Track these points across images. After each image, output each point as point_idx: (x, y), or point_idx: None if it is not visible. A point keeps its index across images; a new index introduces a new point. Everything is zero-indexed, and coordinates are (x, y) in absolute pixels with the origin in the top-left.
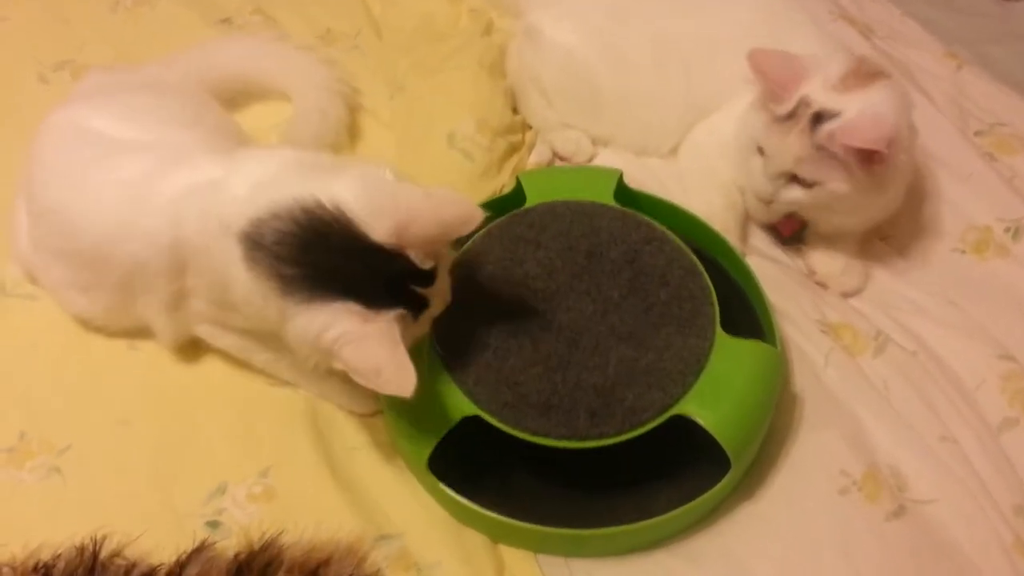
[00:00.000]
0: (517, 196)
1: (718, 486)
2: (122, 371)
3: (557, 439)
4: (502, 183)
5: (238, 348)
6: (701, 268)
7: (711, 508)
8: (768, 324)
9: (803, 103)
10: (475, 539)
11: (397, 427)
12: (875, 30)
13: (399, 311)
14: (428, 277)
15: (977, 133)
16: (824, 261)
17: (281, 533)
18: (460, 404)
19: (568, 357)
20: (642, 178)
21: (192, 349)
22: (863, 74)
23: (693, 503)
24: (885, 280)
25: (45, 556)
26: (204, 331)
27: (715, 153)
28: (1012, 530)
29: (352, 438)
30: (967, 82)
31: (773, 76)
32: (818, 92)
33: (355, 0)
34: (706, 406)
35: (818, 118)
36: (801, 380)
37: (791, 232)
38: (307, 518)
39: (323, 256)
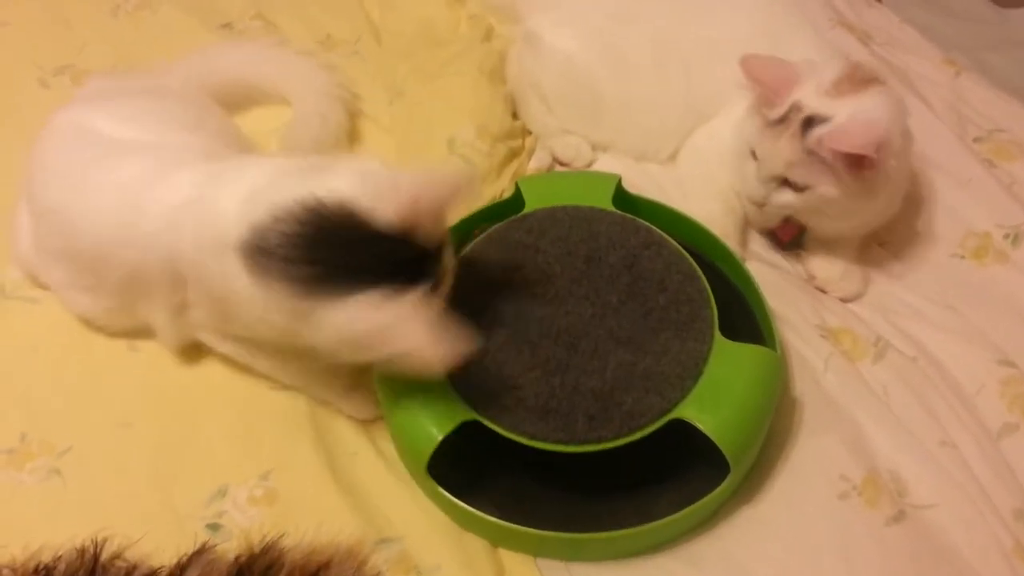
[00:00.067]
0: (516, 201)
1: (717, 490)
2: (123, 373)
3: (556, 443)
4: (501, 188)
5: (239, 354)
6: (700, 273)
7: (711, 512)
8: (767, 329)
9: (795, 108)
10: (475, 543)
11: (397, 431)
12: (873, 36)
13: (420, 289)
14: (435, 256)
15: (976, 139)
16: (823, 266)
17: (282, 536)
18: (459, 409)
19: (567, 361)
20: (641, 183)
21: (193, 351)
22: (857, 80)
23: (693, 507)
24: (885, 285)
25: (46, 558)
26: (206, 338)
27: (714, 158)
28: (1012, 535)
29: (352, 442)
30: (966, 88)
31: (766, 81)
32: (810, 97)
33: (355, 6)
34: (705, 410)
35: (809, 123)
36: (801, 385)
37: (790, 237)
38: (308, 521)
39: (335, 251)
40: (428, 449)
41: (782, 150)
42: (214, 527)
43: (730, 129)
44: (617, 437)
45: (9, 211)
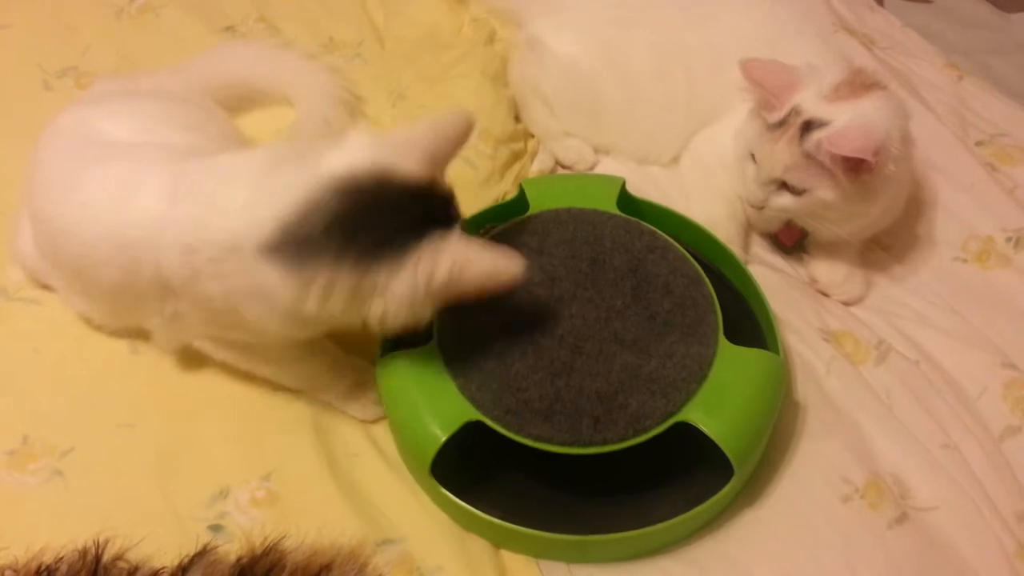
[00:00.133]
0: (520, 203)
1: (721, 493)
2: (125, 374)
3: (560, 445)
4: (504, 191)
5: (239, 360)
6: (704, 277)
7: (714, 515)
8: (770, 332)
9: (794, 112)
10: (477, 544)
11: (400, 432)
12: (876, 41)
13: (457, 227)
14: (454, 200)
15: (978, 143)
16: (826, 270)
17: (283, 537)
18: (463, 409)
19: (571, 364)
20: (644, 186)
21: (195, 353)
22: (858, 85)
23: (696, 510)
24: (887, 289)
25: (47, 559)
26: (202, 345)
27: (716, 162)
28: (1014, 537)
29: (354, 443)
30: (968, 93)
31: (766, 84)
32: (810, 101)
33: (358, 9)
34: (709, 413)
35: (808, 126)
36: (803, 388)
37: (792, 241)
38: (309, 522)
39: (384, 214)
40: (431, 450)
41: (781, 153)
42: (216, 528)
43: (732, 133)
44: (621, 440)
45: (12, 212)
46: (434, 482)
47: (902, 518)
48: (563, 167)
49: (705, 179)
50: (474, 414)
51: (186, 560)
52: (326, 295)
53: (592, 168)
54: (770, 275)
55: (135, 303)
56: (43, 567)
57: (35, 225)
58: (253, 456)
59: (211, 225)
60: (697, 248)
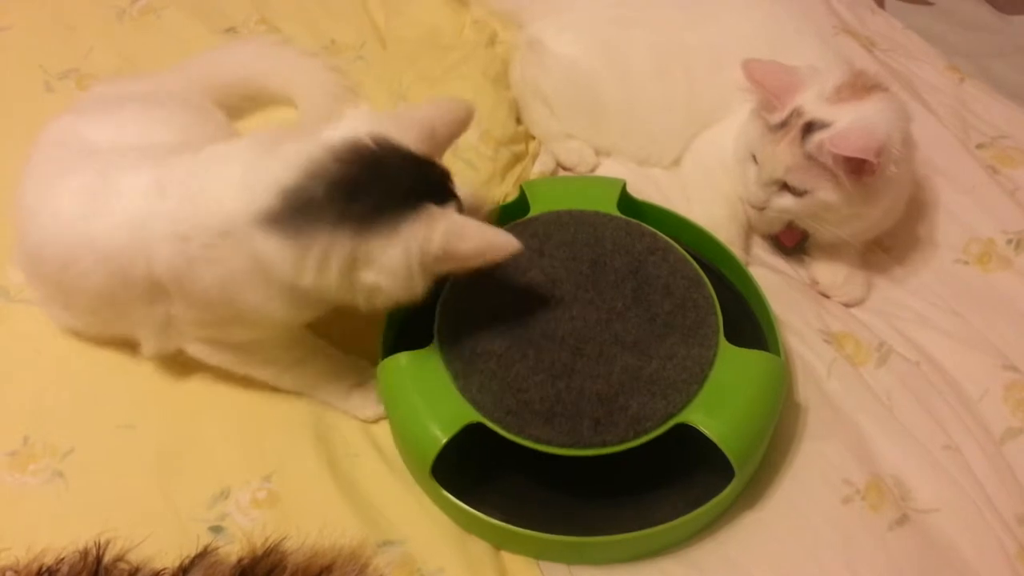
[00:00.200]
0: (521, 205)
1: (721, 495)
2: (125, 375)
3: (561, 447)
4: (505, 192)
5: (236, 363)
6: (705, 278)
7: (714, 517)
8: (771, 334)
9: (796, 113)
10: (478, 546)
11: (400, 434)
12: (877, 43)
13: (455, 203)
14: (451, 179)
15: (979, 146)
16: (827, 271)
17: (284, 538)
18: (463, 411)
19: (572, 365)
20: (645, 188)
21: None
22: (859, 87)
23: (696, 511)
24: (888, 290)
25: (48, 560)
26: (196, 350)
27: (717, 164)
28: (1015, 539)
29: (355, 444)
30: (969, 95)
31: (768, 85)
32: (812, 103)
33: (360, 11)
34: (710, 415)
35: (809, 128)
36: (804, 390)
37: (793, 243)
38: (310, 523)
39: (383, 180)
40: (432, 452)
41: (782, 154)
42: (216, 529)
43: (733, 134)
44: (622, 441)
45: (13, 213)
46: (435, 484)
47: (903, 520)
48: (564, 169)
49: (706, 180)
50: (475, 416)
51: (187, 561)
52: (323, 264)
53: (593, 170)
54: (771, 277)
55: (122, 312)
56: (44, 568)
57: (20, 239)
58: (254, 457)
59: (204, 210)
60: (698, 250)
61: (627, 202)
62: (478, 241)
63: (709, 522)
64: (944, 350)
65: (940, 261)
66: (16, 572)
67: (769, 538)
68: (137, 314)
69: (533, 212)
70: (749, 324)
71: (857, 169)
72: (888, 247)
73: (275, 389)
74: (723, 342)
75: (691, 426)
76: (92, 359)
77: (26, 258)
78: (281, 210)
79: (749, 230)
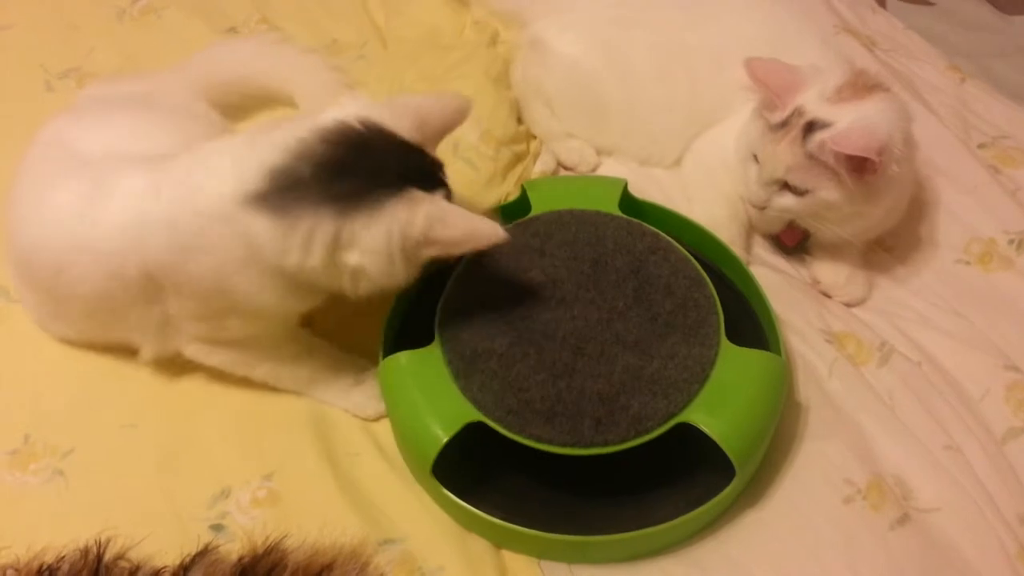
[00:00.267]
0: (522, 205)
1: (722, 494)
2: (126, 375)
3: (562, 446)
4: (506, 192)
5: (235, 363)
6: (706, 278)
7: (715, 516)
8: (772, 334)
9: (797, 112)
10: (478, 544)
11: (401, 433)
12: (878, 43)
13: (443, 192)
14: (442, 169)
15: (980, 146)
16: (828, 271)
17: (285, 537)
18: (464, 410)
19: (573, 365)
20: (646, 188)
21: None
22: (860, 86)
23: (697, 511)
24: (889, 290)
25: (49, 558)
26: (194, 351)
27: (718, 163)
28: (1016, 539)
29: (355, 442)
30: (970, 95)
31: (770, 84)
32: (813, 102)
33: (361, 11)
34: (711, 415)
35: (810, 127)
36: (805, 389)
37: (794, 243)
38: (311, 522)
39: (368, 160)
40: (433, 450)
41: (783, 154)
42: (217, 528)
43: (734, 134)
44: (623, 441)
45: None
46: (436, 482)
47: (904, 519)
48: (565, 168)
49: (707, 180)
50: (476, 415)
51: (188, 559)
52: (308, 243)
53: (594, 169)
54: (772, 276)
55: (118, 315)
56: (45, 567)
57: (10, 246)
58: (254, 456)
59: (197, 198)
60: (699, 249)
61: (628, 202)
62: (462, 228)
63: (710, 521)
64: (946, 350)
65: (941, 261)
66: (17, 570)
67: (770, 537)
68: (133, 316)
69: (534, 212)
70: (750, 324)
71: (859, 168)
72: (890, 247)
73: (275, 388)
74: (724, 342)
75: (692, 425)
76: (93, 359)
77: (17, 264)
78: (268, 190)
79: (750, 230)
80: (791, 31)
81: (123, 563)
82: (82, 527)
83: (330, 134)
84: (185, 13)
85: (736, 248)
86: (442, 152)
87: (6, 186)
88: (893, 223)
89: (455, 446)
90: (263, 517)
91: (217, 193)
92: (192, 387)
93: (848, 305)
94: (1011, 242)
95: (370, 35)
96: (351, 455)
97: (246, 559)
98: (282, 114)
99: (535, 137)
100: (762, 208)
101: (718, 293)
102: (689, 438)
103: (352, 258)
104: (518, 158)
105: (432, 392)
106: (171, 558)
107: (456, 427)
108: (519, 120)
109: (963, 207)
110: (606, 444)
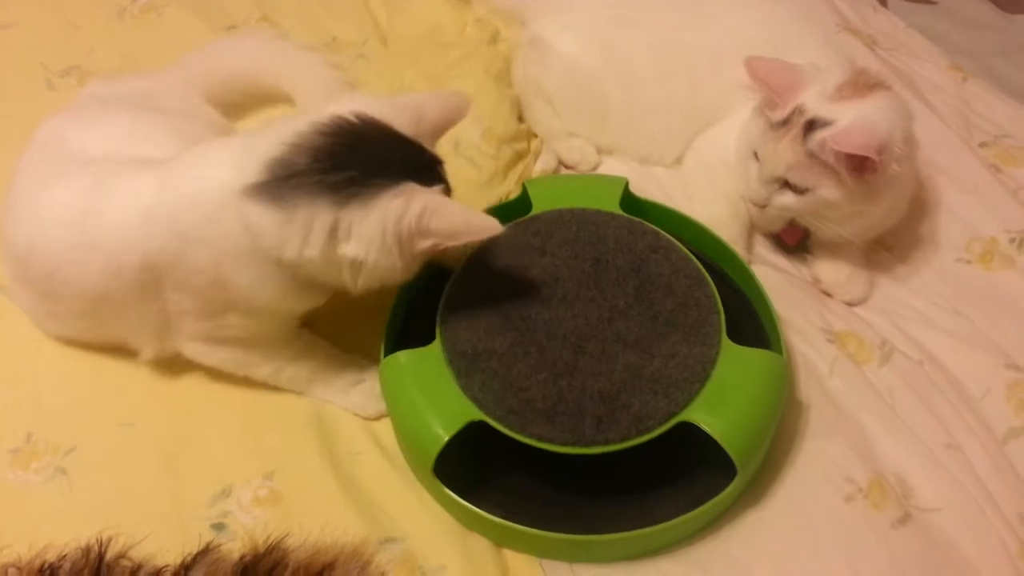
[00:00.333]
0: (523, 203)
1: (724, 493)
2: (127, 373)
3: (563, 445)
4: (507, 191)
5: (235, 363)
6: (707, 277)
7: (717, 515)
8: (773, 332)
9: (798, 111)
10: (480, 543)
11: (402, 432)
12: (880, 42)
13: (441, 187)
14: (441, 166)
15: (982, 145)
16: (829, 270)
17: (286, 536)
18: (465, 409)
19: (574, 364)
20: (647, 187)
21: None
22: (861, 85)
23: (699, 510)
24: (890, 289)
25: (51, 557)
26: (193, 350)
27: (719, 162)
28: (1017, 538)
29: (356, 441)
30: (972, 94)
31: (770, 83)
32: (814, 101)
33: (361, 9)
34: (712, 414)
35: (811, 126)
36: (806, 388)
37: (795, 241)
38: (312, 521)
39: (364, 153)
40: (434, 449)
41: (784, 152)
42: (218, 527)
43: (734, 133)
44: (624, 439)
45: None
46: (437, 482)
47: (905, 518)
48: (566, 167)
49: (708, 179)
50: (477, 414)
51: (189, 558)
52: (306, 233)
53: (595, 168)
54: (773, 275)
55: (115, 312)
56: (46, 565)
57: (6, 244)
58: (255, 455)
59: (199, 189)
60: (700, 248)
61: (629, 200)
62: (457, 221)
63: (711, 521)
64: (946, 349)
65: (942, 260)
66: (19, 569)
67: (771, 537)
68: (131, 316)
69: (535, 210)
70: (751, 323)
71: (859, 167)
72: (890, 246)
73: (276, 387)
74: (725, 340)
75: (693, 424)
76: (95, 358)
77: (16, 263)
78: (267, 180)
79: (751, 228)
80: (791, 30)
81: (125, 562)
82: (84, 526)
83: (327, 127)
84: (185, 11)
85: (737, 247)
86: (443, 150)
87: (9, 182)
88: (894, 222)
89: (456, 445)
90: (264, 516)
91: (218, 184)
92: (193, 386)
93: (849, 304)
94: (1012, 241)
95: (370, 33)
96: (352, 454)
97: (247, 558)
98: (281, 112)
99: (536, 135)
100: (763, 206)
101: (719, 292)
102: (690, 437)
103: (350, 249)
104: (519, 156)
105: (433, 391)
106: (172, 557)
107: (457, 426)
108: (520, 118)
109: (964, 206)
110: (607, 443)
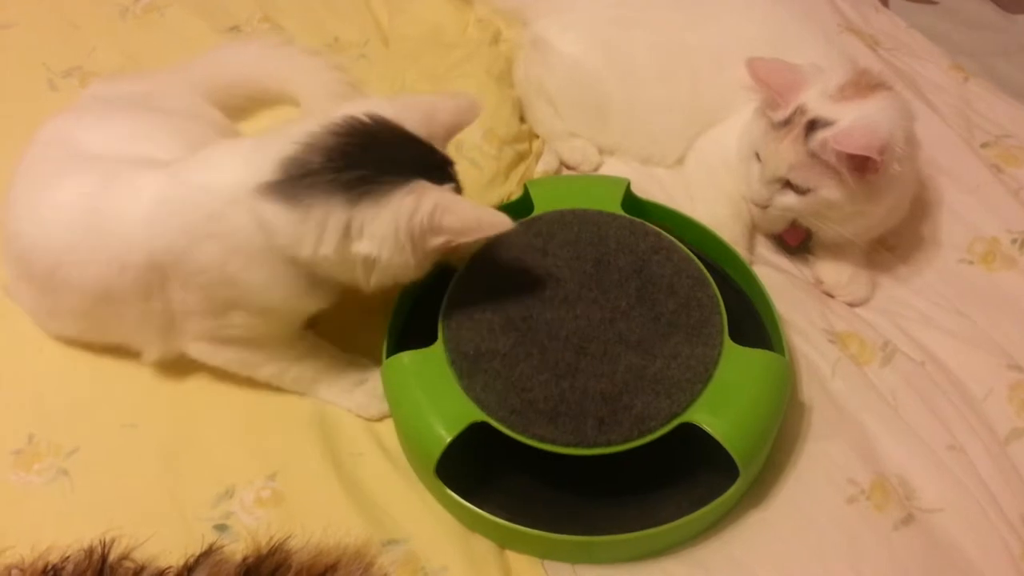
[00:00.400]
0: (525, 204)
1: (726, 494)
2: (129, 374)
3: (565, 446)
4: (509, 191)
5: (239, 363)
6: (709, 277)
7: (719, 516)
8: (775, 333)
9: (799, 111)
10: (482, 545)
11: (405, 433)
12: (881, 42)
13: (452, 185)
14: (452, 166)
15: (983, 145)
16: (831, 271)
17: (289, 537)
18: (468, 410)
19: (576, 365)
20: (648, 187)
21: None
22: (863, 85)
23: (701, 511)
24: (892, 290)
25: (54, 558)
26: (198, 349)
27: (721, 162)
28: (1020, 539)
29: (359, 443)
30: (973, 94)
31: (772, 83)
32: (815, 101)
33: (363, 9)
34: (715, 414)
35: (813, 126)
36: (809, 389)
37: (797, 242)
38: (314, 522)
39: (376, 152)
40: (436, 451)
41: (785, 152)
42: (221, 528)
43: (736, 133)
44: (626, 441)
45: None
46: (439, 483)
47: (907, 519)
48: (568, 168)
49: (709, 179)
50: (479, 415)
51: (192, 560)
52: (321, 232)
53: (597, 169)
54: (775, 276)
55: (116, 314)
56: (49, 566)
57: (7, 243)
58: (258, 456)
59: (211, 186)
60: (702, 249)
61: (631, 201)
62: (468, 217)
63: (714, 522)
64: (948, 350)
65: (944, 260)
66: (21, 570)
67: (773, 538)
68: (134, 314)
69: (537, 211)
70: (753, 323)
71: (860, 167)
72: (892, 246)
73: (279, 388)
74: (727, 341)
75: (695, 425)
76: (97, 359)
77: (17, 262)
78: (281, 179)
79: (753, 229)
80: (791, 30)
81: (127, 563)
82: (86, 527)
83: (340, 127)
84: (188, 11)
85: (739, 247)
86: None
87: (7, 185)
88: (895, 222)
89: (458, 446)
90: (267, 517)
91: (231, 182)
92: (196, 387)
93: (851, 305)
94: (1014, 241)
95: (372, 33)
96: (354, 455)
97: (250, 559)
98: (284, 114)
99: (538, 136)
100: (764, 207)
101: (721, 293)
102: (692, 438)
103: (363, 247)
104: (521, 157)
105: (435, 392)
106: (175, 558)
107: (459, 427)
108: (522, 119)
109: (966, 206)
110: (609, 444)
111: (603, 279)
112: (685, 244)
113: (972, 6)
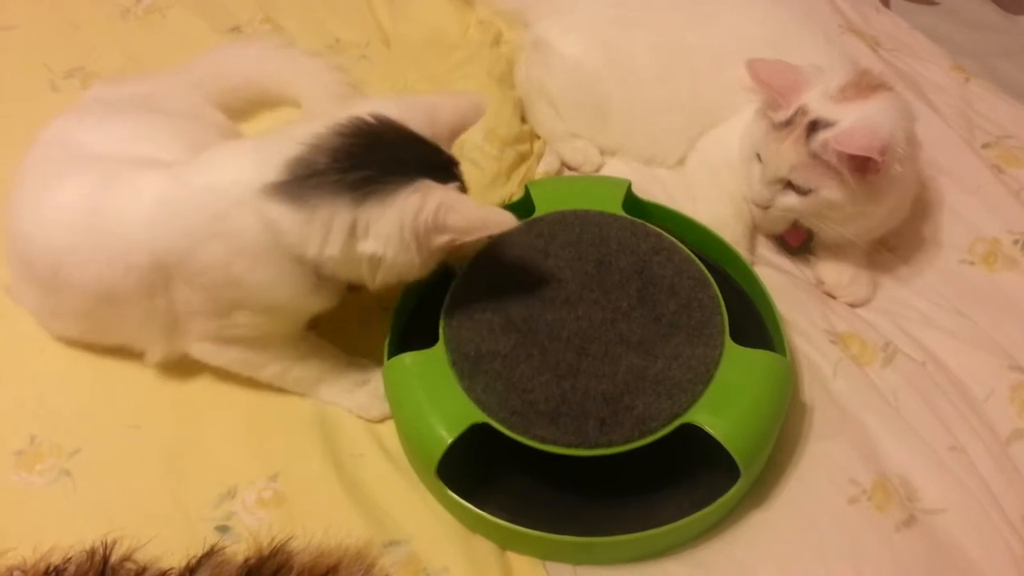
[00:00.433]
0: (526, 205)
1: (727, 495)
2: (131, 375)
3: (566, 447)
4: (510, 192)
5: (241, 363)
6: (710, 278)
7: (720, 517)
8: (777, 334)
9: (801, 111)
10: (483, 546)
11: (406, 433)
12: (882, 43)
13: (456, 185)
14: (457, 166)
15: (984, 146)
16: (832, 271)
17: (290, 538)
18: (469, 411)
19: (577, 365)
20: (649, 188)
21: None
22: (864, 86)
23: (702, 512)
24: (894, 290)
25: (55, 559)
26: (201, 350)
27: (722, 163)
28: (1022, 540)
29: (360, 444)
30: (974, 95)
31: (773, 84)
32: (816, 101)
33: (364, 10)
34: (716, 415)
35: (814, 126)
36: (810, 390)
37: (798, 243)
38: (316, 523)
39: (382, 152)
40: (438, 452)
41: (787, 152)
42: (223, 529)
43: (737, 134)
44: (628, 441)
45: None
46: (440, 484)
47: (909, 520)
48: (569, 168)
49: (711, 180)
50: (480, 416)
51: (194, 561)
52: (327, 231)
53: (598, 170)
54: (776, 276)
55: (119, 315)
56: (51, 567)
57: (8, 242)
58: (259, 457)
59: (217, 186)
60: (703, 249)
61: (632, 202)
62: (473, 216)
63: (715, 522)
64: (950, 350)
65: (945, 261)
66: (23, 572)
67: (775, 538)
68: (137, 314)
69: (538, 212)
70: (754, 324)
71: (861, 167)
72: (893, 247)
73: (280, 389)
74: (728, 342)
75: (697, 426)
76: (99, 360)
77: (17, 261)
78: (287, 180)
79: (754, 229)
80: (792, 31)
81: (129, 564)
82: (88, 528)
83: (345, 128)
84: (189, 12)
85: (740, 248)
86: None
87: (10, 185)
88: (896, 223)
89: (460, 447)
90: (268, 518)
91: (236, 182)
92: (197, 388)
93: (852, 305)
94: (1015, 242)
95: (373, 35)
96: (356, 456)
97: (252, 560)
98: (285, 115)
99: (539, 137)
100: (766, 207)
101: (722, 293)
102: (693, 439)
103: (368, 246)
104: (522, 158)
105: (436, 393)
106: (177, 559)
107: (460, 428)
108: (523, 120)
109: (967, 207)
110: (610, 445)
111: (604, 280)
112: (686, 245)
113: (973, 7)
